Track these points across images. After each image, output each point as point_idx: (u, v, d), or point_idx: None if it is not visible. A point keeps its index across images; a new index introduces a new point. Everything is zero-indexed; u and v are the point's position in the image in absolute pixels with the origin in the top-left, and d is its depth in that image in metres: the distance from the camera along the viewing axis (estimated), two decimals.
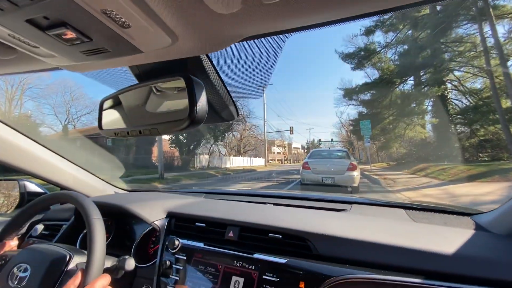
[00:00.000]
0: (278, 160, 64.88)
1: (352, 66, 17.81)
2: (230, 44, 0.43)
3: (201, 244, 0.78)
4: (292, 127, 33.97)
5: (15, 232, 0.74)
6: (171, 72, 0.52)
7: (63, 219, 1.02)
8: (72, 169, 1.16)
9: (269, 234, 0.73)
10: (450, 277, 0.54)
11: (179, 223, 0.88)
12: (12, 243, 0.71)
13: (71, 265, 0.62)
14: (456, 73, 15.26)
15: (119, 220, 0.99)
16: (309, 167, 6.85)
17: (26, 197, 1.09)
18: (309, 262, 0.64)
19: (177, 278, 0.75)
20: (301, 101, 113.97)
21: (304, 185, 6.93)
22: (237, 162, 26.60)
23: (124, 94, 0.59)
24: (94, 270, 0.56)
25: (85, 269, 0.55)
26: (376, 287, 0.56)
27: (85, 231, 0.92)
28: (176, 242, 0.79)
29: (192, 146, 16.56)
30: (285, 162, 65.69)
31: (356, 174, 6.40)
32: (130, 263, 0.68)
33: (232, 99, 0.65)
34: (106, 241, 0.65)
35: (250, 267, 0.69)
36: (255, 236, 0.75)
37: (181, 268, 0.76)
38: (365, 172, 12.62)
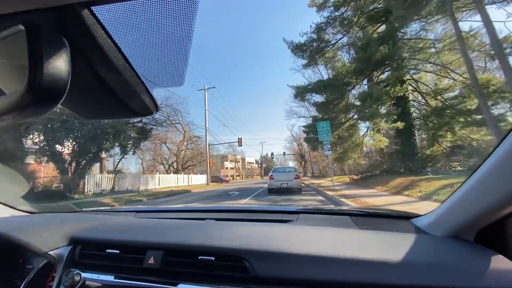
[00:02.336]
0: (231, 175, 60.41)
1: (304, 62, 15.05)
2: None
3: (110, 277, 0.64)
4: (241, 138, 30.07)
5: None
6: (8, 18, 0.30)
7: None
8: None
9: (200, 257, 0.61)
10: None
11: (86, 251, 0.72)
12: None
13: None
14: (417, 73, 13.48)
15: (9, 252, 0.78)
16: (273, 177, 11.38)
17: None
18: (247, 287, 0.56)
19: None
20: (252, 115, 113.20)
21: (271, 189, 11.08)
22: (166, 182, 20.95)
23: None
24: None
25: None
26: None
27: None
28: (77, 277, 0.63)
29: (83, 161, 11.13)
30: (237, 177, 61.46)
31: (299, 181, 11.28)
32: None
33: (148, 90, 0.48)
34: None
35: None
36: (182, 260, 0.63)
37: None
38: (328, 193, 8.71)
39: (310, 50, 13.95)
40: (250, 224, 0.84)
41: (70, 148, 10.50)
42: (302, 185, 11.97)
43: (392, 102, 12.62)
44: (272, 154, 49.93)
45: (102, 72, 0.39)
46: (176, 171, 26.22)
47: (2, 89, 0.33)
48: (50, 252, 0.69)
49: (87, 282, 0.64)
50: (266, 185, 11.96)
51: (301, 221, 0.93)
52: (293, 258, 0.58)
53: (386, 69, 13.46)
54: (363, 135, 15.41)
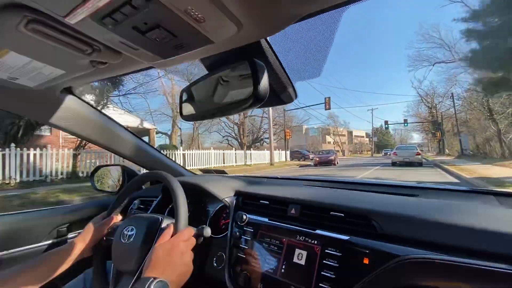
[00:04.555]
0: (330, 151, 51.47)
1: None
2: (289, 24, 0.46)
3: (265, 219, 0.84)
4: (329, 97, 19.82)
5: (119, 208, 0.91)
6: (236, 59, 0.59)
7: (153, 196, 1.17)
8: (159, 157, 1.36)
9: (331, 213, 0.73)
10: None
11: (245, 200, 0.96)
12: (119, 217, 0.90)
13: (163, 225, 0.76)
14: None
15: (195, 199, 1.07)
16: (396, 154, 15.31)
17: (126, 178, 1.31)
18: (374, 241, 0.63)
19: (246, 247, 0.82)
20: (361, 83, 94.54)
21: (394, 162, 15.03)
22: (209, 160, 15.38)
23: (198, 84, 0.71)
24: (182, 223, 0.70)
25: (175, 223, 0.70)
26: (448, 270, 0.51)
27: (170, 205, 1.07)
28: (244, 217, 0.87)
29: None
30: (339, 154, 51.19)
31: (420, 156, 14.56)
32: (208, 231, 0.77)
33: (290, 81, 0.66)
34: None
35: (313, 241, 0.71)
36: (316, 214, 0.76)
37: (249, 239, 0.83)
38: None
39: None
40: (374, 194, 0.92)
41: None
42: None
43: None
44: (386, 123, 35.91)
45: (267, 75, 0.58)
46: (241, 146, 21.33)
47: (237, 98, 0.60)
48: (226, 199, 0.95)
49: (250, 221, 0.86)
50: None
51: (429, 196, 0.91)
52: (421, 222, 0.61)
53: None
54: None
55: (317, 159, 18.72)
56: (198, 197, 1.07)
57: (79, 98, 0.96)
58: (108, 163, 9.43)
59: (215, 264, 0.87)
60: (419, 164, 14.50)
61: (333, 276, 0.63)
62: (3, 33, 0.48)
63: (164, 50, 0.51)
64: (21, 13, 0.43)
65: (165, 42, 0.47)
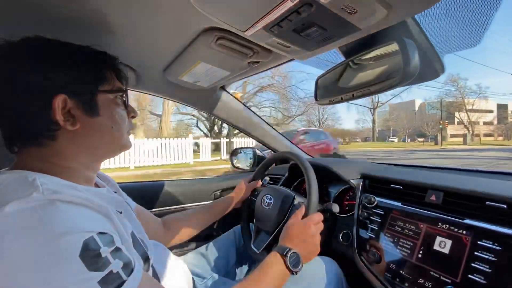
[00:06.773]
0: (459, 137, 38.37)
1: None
2: None
3: (398, 204, 0.82)
4: None
5: (259, 177, 1.09)
6: (380, 40, 0.58)
7: (280, 174, 1.33)
8: (285, 142, 1.56)
9: (487, 203, 0.66)
10: None
11: (373, 184, 0.95)
12: (259, 182, 1.10)
13: (295, 202, 0.88)
14: None
15: (322, 180, 1.07)
16: None
17: (256, 158, 1.54)
18: None
19: (375, 228, 0.83)
20: None
21: None
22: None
23: (335, 70, 0.75)
24: (313, 207, 0.76)
25: (307, 205, 0.77)
26: None
27: (296, 182, 1.24)
28: (373, 199, 0.88)
29: None
30: (459, 141, 34.88)
31: None
32: (336, 207, 0.86)
33: (437, 54, 0.62)
34: None
35: (460, 231, 0.66)
36: (465, 203, 0.70)
37: (379, 221, 0.83)
38: None
39: None
40: None
41: None
42: None
43: None
44: None
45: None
46: (209, 133, 14.65)
47: (381, 77, 0.61)
48: (352, 181, 0.98)
49: (380, 204, 0.85)
50: None
51: None
52: None
53: None
54: None
55: None
56: (320, 178, 1.16)
57: (230, 93, 1.19)
58: None
59: (341, 240, 0.93)
60: None
61: (489, 270, 0.58)
62: (201, 49, 0.66)
63: (312, 44, 0.55)
64: (214, 33, 0.58)
65: (315, 37, 0.51)
